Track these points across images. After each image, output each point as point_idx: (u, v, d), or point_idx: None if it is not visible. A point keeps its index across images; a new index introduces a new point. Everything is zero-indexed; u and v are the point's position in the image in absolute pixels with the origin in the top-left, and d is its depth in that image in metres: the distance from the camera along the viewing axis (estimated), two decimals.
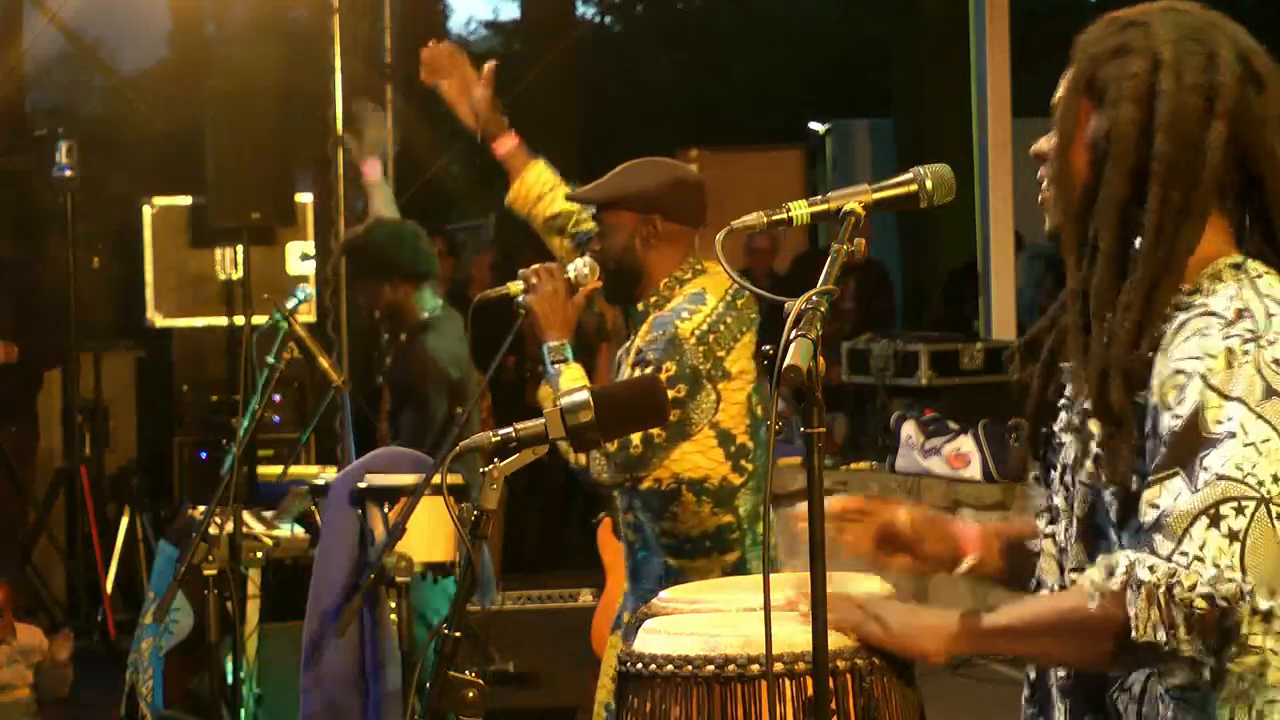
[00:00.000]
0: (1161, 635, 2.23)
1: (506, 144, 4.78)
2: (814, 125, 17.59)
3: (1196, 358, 2.29)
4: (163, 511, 9.56)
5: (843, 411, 10.04)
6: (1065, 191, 2.45)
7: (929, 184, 2.55)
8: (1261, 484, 2.24)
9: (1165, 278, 2.37)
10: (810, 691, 2.46)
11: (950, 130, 13.28)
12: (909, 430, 8.87)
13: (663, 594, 2.90)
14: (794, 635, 2.50)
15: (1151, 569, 2.24)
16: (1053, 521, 2.51)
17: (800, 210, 2.52)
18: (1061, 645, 2.38)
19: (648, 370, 4.17)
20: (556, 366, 4.21)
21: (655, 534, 4.30)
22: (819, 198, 2.54)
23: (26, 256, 10.05)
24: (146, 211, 9.58)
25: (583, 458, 4.13)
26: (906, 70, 16.72)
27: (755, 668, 2.53)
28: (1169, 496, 2.26)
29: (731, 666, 2.55)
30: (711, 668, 2.56)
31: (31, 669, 6.32)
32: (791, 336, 2.30)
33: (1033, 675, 2.56)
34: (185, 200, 9.58)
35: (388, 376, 7.08)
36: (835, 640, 2.45)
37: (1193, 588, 2.22)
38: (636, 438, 4.10)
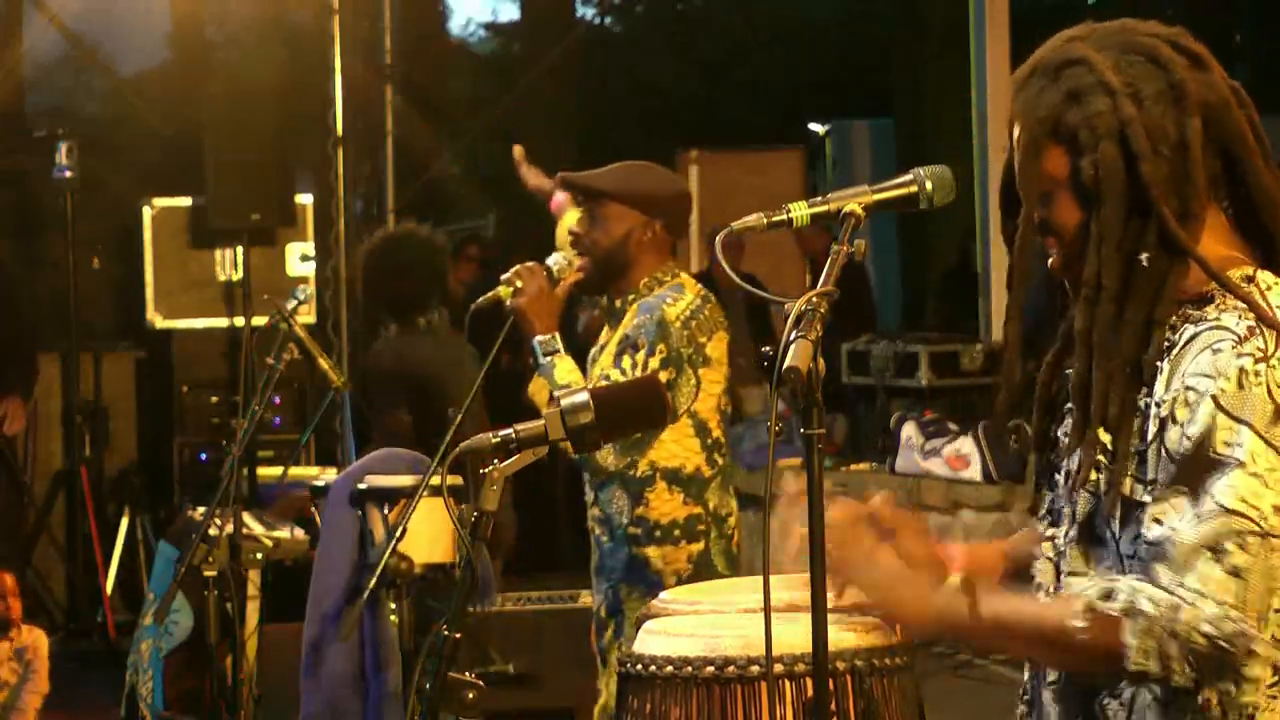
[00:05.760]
0: (1156, 666, 2.25)
1: (558, 199, 5.16)
2: (814, 126, 17.58)
3: (1209, 376, 2.29)
4: (163, 513, 9.55)
5: (843, 412, 10.04)
6: (1025, 249, 2.44)
7: (929, 185, 2.55)
8: (1265, 517, 2.25)
9: (1172, 276, 2.36)
10: (810, 693, 2.46)
11: (950, 130, 13.29)
12: (909, 431, 8.87)
13: (662, 594, 2.90)
14: (794, 636, 2.50)
15: (1153, 600, 2.25)
16: (1053, 524, 2.50)
17: (800, 211, 2.51)
18: (1048, 655, 2.40)
19: (638, 355, 4.31)
20: (549, 359, 4.31)
21: (624, 524, 4.40)
22: (819, 198, 2.53)
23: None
24: (146, 212, 9.58)
25: None
26: (906, 70, 16.73)
27: (755, 669, 2.52)
28: (1175, 517, 2.27)
29: (731, 668, 2.55)
30: (711, 669, 2.56)
31: (24, 666, 6.31)
32: (791, 338, 2.30)
33: (1026, 677, 2.56)
34: (185, 201, 9.57)
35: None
36: (835, 641, 2.45)
37: (1194, 624, 2.23)
38: None
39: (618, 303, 4.49)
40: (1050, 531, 2.51)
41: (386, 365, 6.76)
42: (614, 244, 4.43)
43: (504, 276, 4.39)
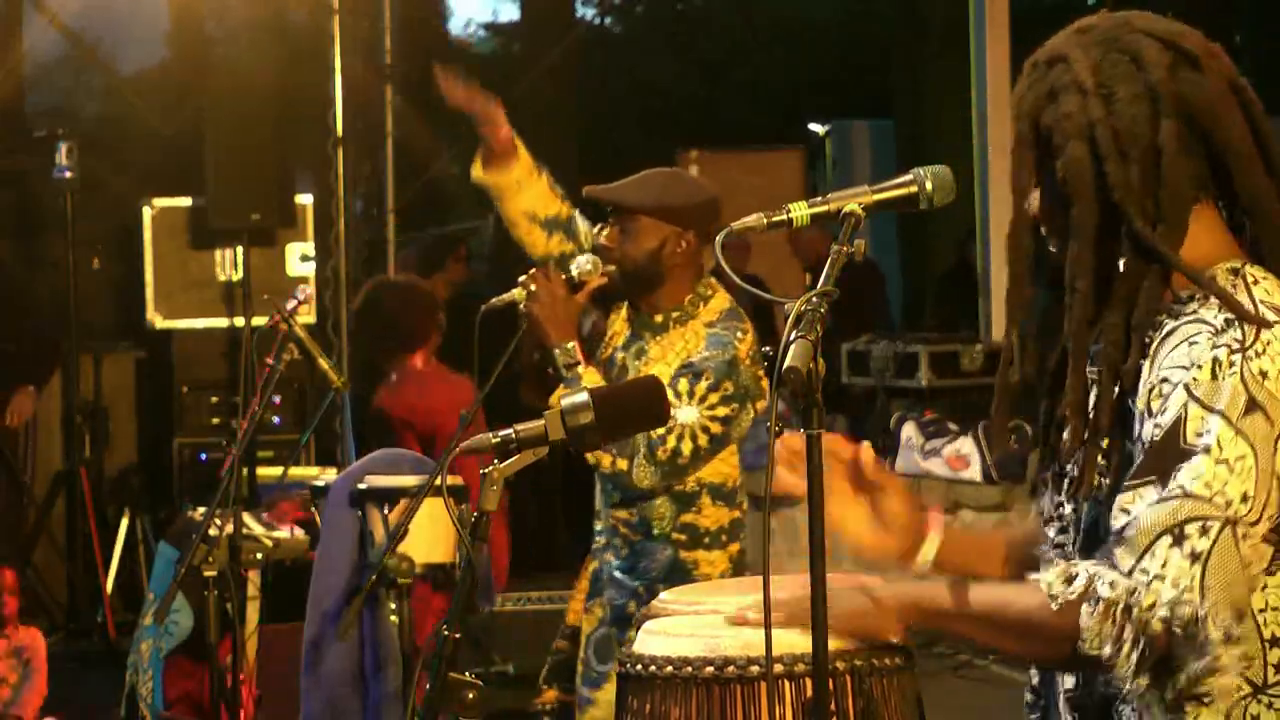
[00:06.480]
0: (1108, 650, 2.23)
1: (505, 133, 4.58)
2: (814, 126, 17.57)
3: (1183, 367, 2.28)
4: (162, 513, 9.55)
5: (843, 412, 10.04)
6: (1020, 247, 2.43)
7: (929, 185, 2.55)
8: (1229, 504, 2.22)
9: (1148, 280, 2.35)
10: (809, 693, 2.46)
11: (950, 130, 13.28)
12: (909, 431, 8.87)
13: (662, 595, 2.89)
14: (794, 636, 2.50)
15: (1111, 585, 2.23)
16: (1063, 530, 2.49)
17: (800, 211, 2.51)
18: (1012, 641, 2.39)
19: (699, 385, 4.27)
20: (573, 371, 4.24)
21: (666, 529, 4.38)
22: (819, 199, 2.53)
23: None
24: (146, 212, 9.58)
25: (622, 463, 4.23)
26: (906, 70, 16.71)
27: (755, 669, 2.52)
28: (1140, 505, 2.25)
29: (731, 668, 2.55)
30: (711, 669, 2.56)
31: (22, 665, 6.32)
32: (791, 338, 2.30)
33: (1036, 682, 2.55)
34: (185, 201, 9.57)
35: None
36: (835, 642, 2.45)
37: (1151, 607, 2.21)
38: (686, 448, 4.24)
39: (657, 318, 4.44)
40: (1060, 538, 2.49)
41: (384, 413, 6.79)
42: (645, 256, 4.37)
43: (521, 279, 4.31)
